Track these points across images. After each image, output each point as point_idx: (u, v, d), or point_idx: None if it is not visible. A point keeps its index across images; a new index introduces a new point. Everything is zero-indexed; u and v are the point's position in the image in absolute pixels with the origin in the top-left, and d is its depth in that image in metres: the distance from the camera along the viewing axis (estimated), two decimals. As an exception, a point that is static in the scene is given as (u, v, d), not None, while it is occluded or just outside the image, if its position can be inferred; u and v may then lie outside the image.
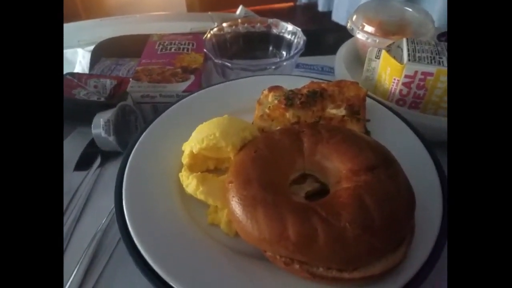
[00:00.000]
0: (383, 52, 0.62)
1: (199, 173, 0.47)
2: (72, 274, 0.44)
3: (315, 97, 0.54)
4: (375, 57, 0.64)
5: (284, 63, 0.71)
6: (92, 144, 0.60)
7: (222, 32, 0.80)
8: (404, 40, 0.63)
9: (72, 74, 0.71)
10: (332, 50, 0.79)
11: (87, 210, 0.53)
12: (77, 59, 1.03)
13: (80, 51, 1.03)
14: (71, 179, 0.57)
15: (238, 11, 1.12)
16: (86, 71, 0.85)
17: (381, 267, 0.35)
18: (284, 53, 0.81)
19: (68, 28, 0.87)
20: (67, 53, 0.98)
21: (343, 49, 0.78)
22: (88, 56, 0.90)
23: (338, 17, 1.93)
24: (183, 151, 0.49)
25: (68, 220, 0.50)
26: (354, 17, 0.77)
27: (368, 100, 0.57)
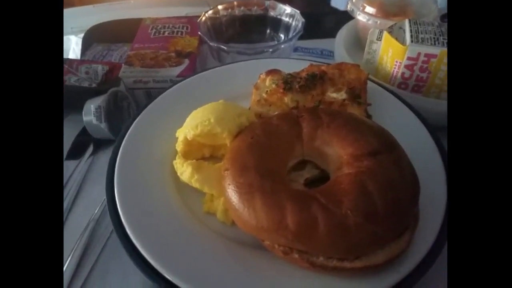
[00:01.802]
0: (385, 33, 0.60)
1: (194, 160, 0.45)
2: (64, 265, 0.42)
3: (314, 80, 0.52)
4: (377, 39, 0.62)
5: (282, 46, 0.68)
6: (84, 132, 0.58)
7: (217, 15, 0.77)
8: (406, 21, 0.61)
9: (63, 60, 0.69)
10: (332, 33, 0.77)
11: (80, 199, 0.51)
12: (70, 46, 1.01)
13: (73, 38, 1.00)
14: (63, 168, 0.55)
15: (235, -4, 1.08)
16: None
17: (383, 256, 0.34)
18: (282, 36, 0.78)
19: (61, 15, 0.84)
20: (59, 40, 0.95)
21: (343, 32, 0.76)
22: (81, 43, 0.87)
23: (336, 3, 1.89)
24: (177, 138, 0.47)
25: (59, 210, 0.49)
26: (354, -2, 0.74)
27: (369, 83, 0.55)
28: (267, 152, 0.40)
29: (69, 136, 0.60)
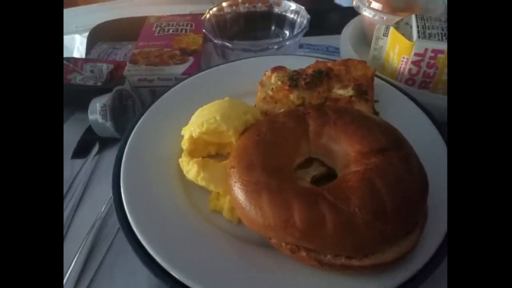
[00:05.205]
0: (392, 29, 0.59)
1: (200, 158, 0.45)
2: (71, 263, 0.42)
3: (320, 77, 0.51)
4: (383, 35, 0.61)
5: (287, 43, 0.68)
6: (89, 130, 0.58)
7: (222, 12, 0.77)
8: (413, 16, 0.60)
9: (68, 59, 0.69)
10: (337, 30, 0.76)
11: (86, 198, 0.51)
12: (75, 45, 1.01)
13: (77, 37, 1.00)
14: (69, 167, 0.55)
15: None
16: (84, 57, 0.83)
17: (392, 254, 0.33)
18: (287, 32, 0.78)
19: (65, 14, 0.84)
20: (64, 39, 0.95)
21: (349, 28, 0.75)
22: (85, 42, 0.88)
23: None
24: (182, 136, 0.47)
25: (66, 209, 0.49)
26: (360, -7, 0.73)
27: (375, 80, 0.54)
28: (274, 150, 0.40)
29: (74, 135, 0.60)
